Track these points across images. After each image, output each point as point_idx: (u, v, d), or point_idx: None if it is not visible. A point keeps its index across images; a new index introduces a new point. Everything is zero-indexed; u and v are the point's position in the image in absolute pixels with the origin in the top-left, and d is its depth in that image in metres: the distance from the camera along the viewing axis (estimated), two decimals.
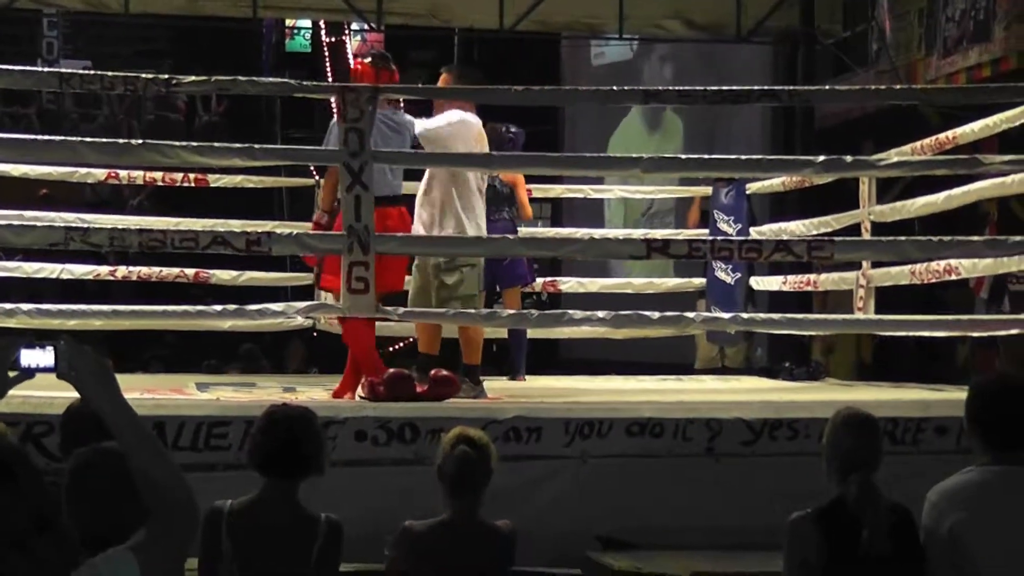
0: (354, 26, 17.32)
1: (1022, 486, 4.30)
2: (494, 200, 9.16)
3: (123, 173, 9.78)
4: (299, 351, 13.30)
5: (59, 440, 4.64)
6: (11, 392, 3.14)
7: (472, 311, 7.60)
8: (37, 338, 3.29)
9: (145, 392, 6.80)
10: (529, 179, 9.88)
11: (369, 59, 7.59)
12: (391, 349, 8.35)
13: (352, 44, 18.25)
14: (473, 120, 7.67)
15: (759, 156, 8.52)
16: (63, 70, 9.18)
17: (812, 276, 10.03)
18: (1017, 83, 8.13)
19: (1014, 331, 7.50)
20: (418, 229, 7.55)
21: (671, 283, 10.09)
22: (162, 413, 5.90)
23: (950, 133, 8.15)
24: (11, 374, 3.16)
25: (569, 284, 10.86)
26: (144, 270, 9.80)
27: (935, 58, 11.55)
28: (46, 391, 4.15)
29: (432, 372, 7.23)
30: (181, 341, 12.33)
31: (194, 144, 7.37)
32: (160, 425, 5.72)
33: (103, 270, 9.84)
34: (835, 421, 4.53)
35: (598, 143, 16.20)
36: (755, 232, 9.98)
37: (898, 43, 12.17)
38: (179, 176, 9.74)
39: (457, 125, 7.58)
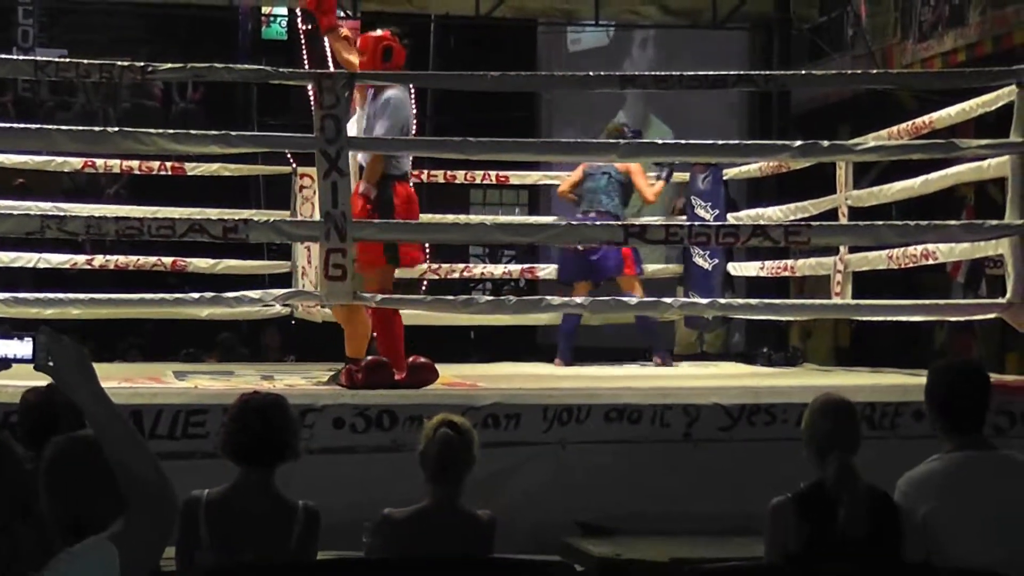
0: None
1: (984, 471, 4.36)
2: (601, 191, 9.26)
3: (100, 162, 9.74)
4: (275, 339, 13.28)
5: (20, 431, 4.62)
6: None
7: (447, 298, 7.58)
8: (14, 328, 3.26)
9: (123, 381, 6.78)
10: (505, 166, 9.88)
11: (389, 32, 7.54)
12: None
13: None
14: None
15: (736, 141, 8.53)
16: (38, 58, 9.11)
17: (789, 261, 10.03)
18: (992, 67, 8.13)
19: (991, 315, 7.51)
20: None
21: (649, 269, 10.08)
22: (139, 402, 5.89)
23: (926, 118, 8.15)
24: None
25: (547, 271, 10.84)
26: (121, 259, 9.76)
27: (911, 43, 11.57)
28: (23, 380, 4.13)
29: (410, 359, 7.21)
30: (158, 330, 12.28)
31: (171, 132, 7.32)
32: (137, 413, 5.71)
33: (80, 259, 9.80)
34: (813, 406, 4.56)
35: (575, 131, 16.19)
36: (732, 217, 9.98)
37: (874, 28, 12.19)
38: (156, 164, 9.70)
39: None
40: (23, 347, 3.07)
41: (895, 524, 4.33)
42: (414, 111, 7.76)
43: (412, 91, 7.62)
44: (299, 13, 16.37)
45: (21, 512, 3.15)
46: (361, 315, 7.30)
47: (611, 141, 8.23)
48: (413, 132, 7.55)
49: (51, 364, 2.99)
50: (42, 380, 3.09)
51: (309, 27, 17.18)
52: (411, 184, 7.53)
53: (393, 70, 7.41)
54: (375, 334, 7.43)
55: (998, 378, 6.50)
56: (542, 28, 16.50)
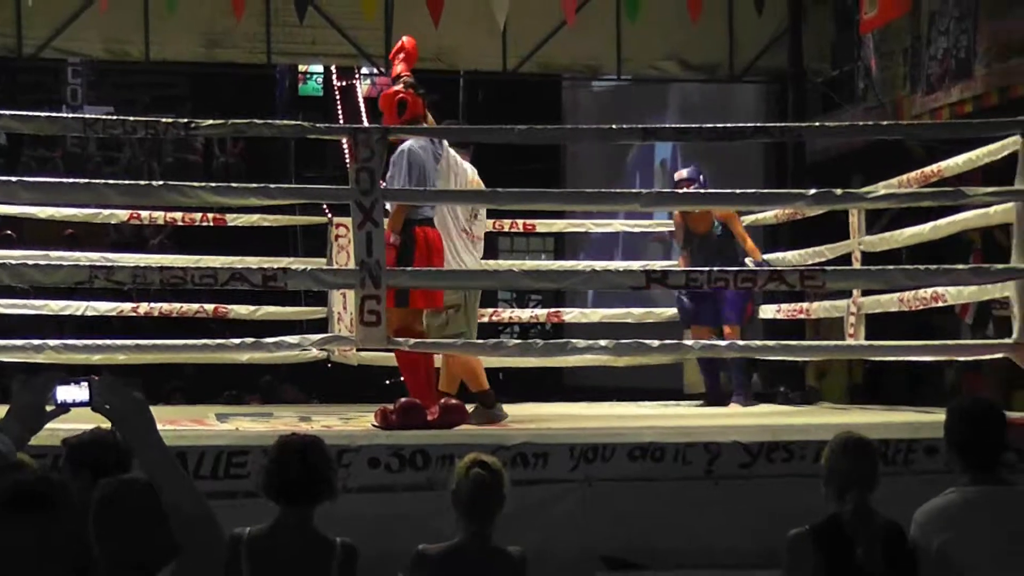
0: (364, 70, 17.37)
1: (1000, 504, 4.35)
2: (705, 248, 9.29)
3: (144, 213, 9.80)
4: (291, 393, 13.29)
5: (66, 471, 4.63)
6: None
7: (477, 341, 7.59)
8: (70, 374, 3.27)
9: (167, 423, 6.79)
10: (532, 214, 9.90)
11: (401, 84, 7.60)
12: (387, 382, 8.38)
13: (362, 88, 18.29)
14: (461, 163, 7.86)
15: (754, 190, 8.51)
16: (87, 115, 9.20)
17: (805, 304, 10.02)
18: (998, 118, 8.13)
19: (999, 355, 7.49)
20: None
21: (669, 312, 10.07)
22: (183, 443, 5.90)
23: (935, 166, 8.15)
24: (48, 408, 3.16)
25: (572, 314, 10.86)
26: (165, 306, 9.82)
27: (919, 95, 11.56)
28: (80, 423, 4.14)
29: (442, 400, 7.22)
30: (201, 374, 12.32)
31: (212, 184, 7.37)
32: (182, 455, 5.71)
33: (126, 307, 9.85)
34: (833, 444, 4.56)
35: (599, 177, 16.22)
36: (750, 263, 9.97)
37: (884, 81, 12.19)
38: (198, 216, 9.75)
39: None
40: (80, 392, 3.10)
41: (910, 558, 4.33)
42: (453, 159, 7.80)
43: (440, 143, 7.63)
44: (334, 70, 16.50)
45: (80, 565, 3.13)
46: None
47: (632, 192, 8.27)
48: (435, 179, 7.57)
49: (108, 407, 3.00)
50: (98, 422, 3.10)
51: (345, 84, 17.29)
52: (433, 228, 7.55)
53: (411, 120, 7.46)
54: (403, 377, 7.45)
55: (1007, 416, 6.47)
56: (566, 83, 16.58)
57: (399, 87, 7.56)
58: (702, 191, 9.11)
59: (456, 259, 7.76)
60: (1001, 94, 10.34)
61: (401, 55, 7.79)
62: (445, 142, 7.66)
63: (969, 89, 10.78)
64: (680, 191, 9.20)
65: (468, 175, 7.92)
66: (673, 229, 9.82)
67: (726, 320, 9.48)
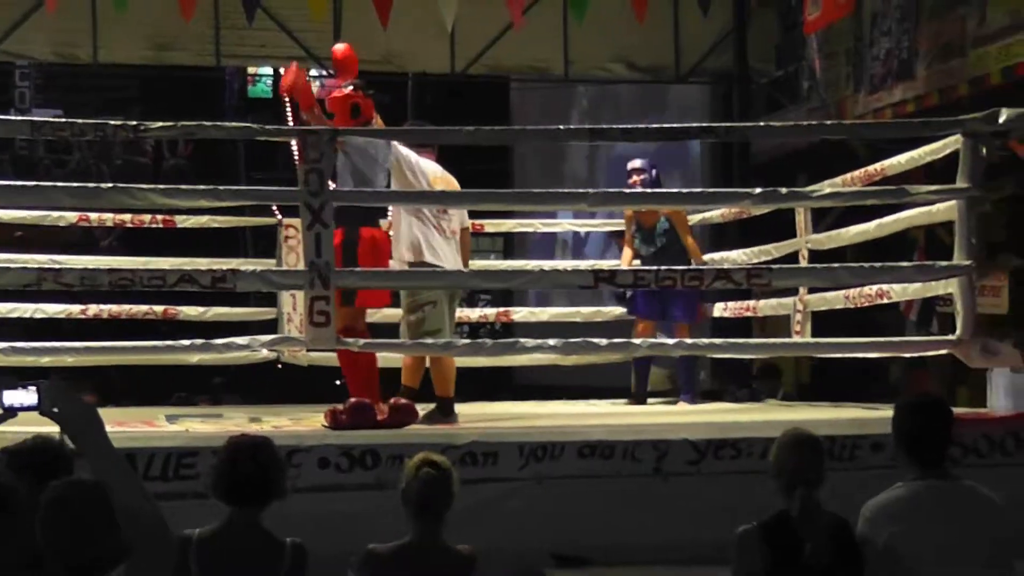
0: (312, 72, 17.30)
1: (946, 499, 4.37)
2: (652, 242, 9.29)
3: (94, 215, 9.72)
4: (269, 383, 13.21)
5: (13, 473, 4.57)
6: None
7: (429, 340, 7.57)
8: (19, 378, 3.23)
9: (116, 425, 6.73)
10: (481, 214, 9.87)
11: (351, 87, 7.58)
12: (337, 382, 8.36)
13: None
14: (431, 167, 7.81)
15: (700, 189, 8.53)
16: (35, 118, 9.11)
17: (752, 302, 10.03)
18: (939, 118, 8.17)
19: (942, 351, 7.52)
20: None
21: (617, 311, 10.07)
22: (133, 445, 5.85)
23: (878, 165, 8.18)
24: None
25: (521, 313, 10.85)
26: (114, 308, 9.73)
27: (863, 95, 11.61)
28: (27, 427, 4.09)
29: (392, 400, 7.20)
30: (151, 375, 12.23)
31: (162, 187, 7.31)
32: (131, 457, 5.66)
33: (75, 308, 9.76)
34: (781, 441, 4.56)
35: (547, 176, 16.23)
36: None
37: (828, 81, 12.23)
38: (148, 218, 9.68)
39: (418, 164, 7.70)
40: (28, 396, 3.05)
41: (857, 552, 4.34)
42: (409, 159, 7.77)
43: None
44: (283, 72, 16.41)
45: (31, 562, 3.10)
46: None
47: (579, 192, 8.26)
48: (383, 178, 7.54)
49: (56, 411, 2.96)
50: (46, 426, 3.07)
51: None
52: (379, 229, 7.51)
53: (363, 123, 7.44)
54: (345, 376, 7.41)
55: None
56: (514, 85, 16.56)
57: (350, 90, 7.53)
58: (650, 191, 9.10)
59: (435, 252, 7.71)
60: (942, 94, 10.39)
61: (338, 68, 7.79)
62: (394, 143, 7.63)
63: (911, 89, 10.83)
64: (629, 189, 9.18)
65: (429, 175, 7.87)
66: (623, 229, 9.82)
67: (674, 318, 9.48)
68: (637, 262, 9.45)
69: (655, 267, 7.45)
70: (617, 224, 10.14)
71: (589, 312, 10.36)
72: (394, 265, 7.64)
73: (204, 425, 7.46)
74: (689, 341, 8.14)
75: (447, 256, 7.78)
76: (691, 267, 8.96)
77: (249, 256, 12.42)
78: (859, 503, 4.45)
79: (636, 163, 9.50)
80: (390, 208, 7.99)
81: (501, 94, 17.02)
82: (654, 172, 9.41)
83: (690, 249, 9.39)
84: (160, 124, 7.02)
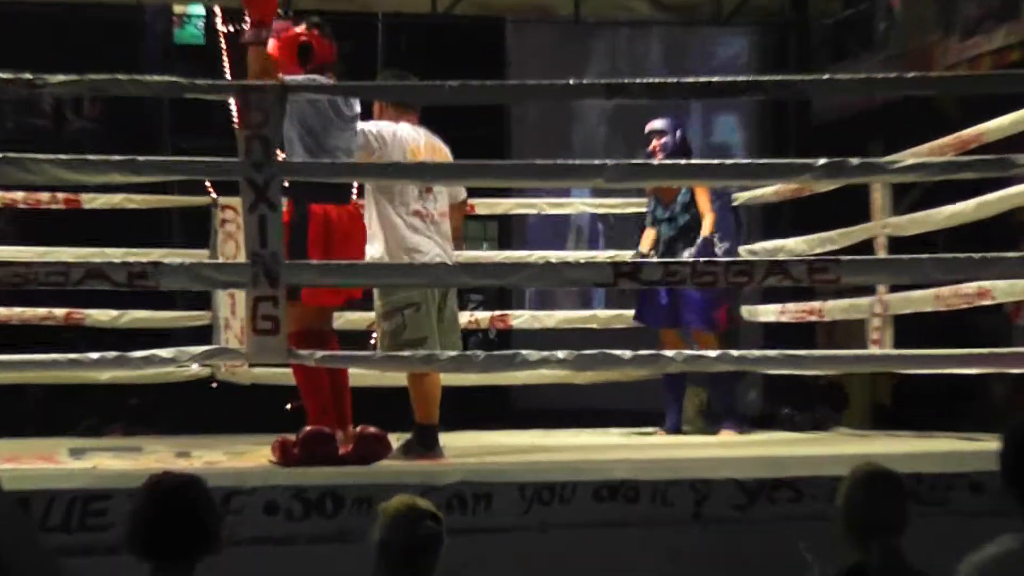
0: None
1: None
2: (671, 224, 9.29)
3: None
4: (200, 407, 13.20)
5: None
6: None
7: (404, 354, 7.55)
8: None
9: (7, 461, 6.73)
10: (471, 193, 9.86)
11: (306, 25, 7.56)
12: (288, 406, 8.34)
13: None
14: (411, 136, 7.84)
15: (747, 160, 8.53)
16: None
17: (816, 304, 10.03)
18: None
19: None
20: None
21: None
22: (27, 486, 5.83)
23: (975, 129, 8.18)
24: None
25: (522, 318, 10.84)
26: (3, 311, 9.72)
27: (954, 40, 11.61)
28: None
29: (358, 428, 7.19)
30: (49, 397, 12.22)
31: (64, 157, 7.29)
32: (25, 501, 5.65)
33: None
34: (852, 479, 4.56)
35: (552, 144, 16.22)
36: (745, 252, 9.98)
37: (910, 23, 12.24)
38: (46, 196, 9.67)
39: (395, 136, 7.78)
40: None
41: None
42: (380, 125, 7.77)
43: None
44: (218, 12, 16.40)
45: None
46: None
47: (595, 163, 8.22)
48: (347, 140, 7.53)
49: None
50: None
51: (233, 29, 17.21)
52: (342, 206, 7.48)
53: (316, 70, 7.42)
54: (302, 397, 7.39)
55: None
56: (511, 27, 16.56)
57: (301, 28, 7.51)
58: (683, 162, 9.07)
59: (404, 247, 7.72)
60: None
61: None
62: (356, 102, 7.62)
63: (1016, 33, 10.83)
64: (652, 160, 9.17)
65: (410, 143, 7.86)
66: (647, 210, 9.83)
67: (686, 322, 9.49)
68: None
69: (691, 259, 7.44)
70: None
71: (608, 316, 10.36)
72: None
73: (118, 461, 7.46)
74: (736, 354, 8.11)
75: (430, 250, 7.78)
76: (738, 260, 8.96)
77: (175, 246, 12.41)
78: (954, 558, 4.43)
79: (656, 124, 9.53)
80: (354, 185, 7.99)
81: (495, 40, 17.01)
82: (678, 134, 9.43)
83: (705, 224, 9.44)
84: (62, 77, 7.00)
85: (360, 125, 7.67)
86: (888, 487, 4.57)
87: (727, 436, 9.36)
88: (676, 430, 9.65)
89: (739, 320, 10.11)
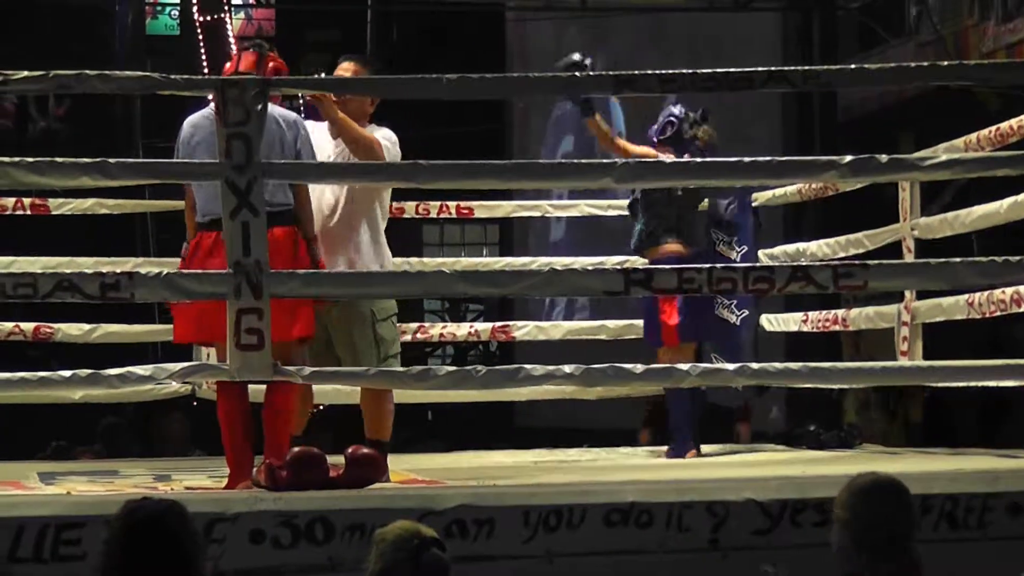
0: (236, 0, 17.34)
1: None
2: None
3: None
4: (180, 427, 13.20)
5: None
6: None
7: (397, 369, 7.59)
8: None
9: None
10: (469, 195, 9.90)
11: (251, 47, 7.59)
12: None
13: (233, 24, 18.24)
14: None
15: (767, 158, 8.55)
16: None
17: (841, 312, 10.06)
18: None
19: None
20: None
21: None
22: None
23: (1014, 122, 8.20)
24: None
25: (525, 330, 10.85)
26: None
27: (992, 24, 11.64)
28: None
29: (350, 449, 7.21)
30: (17, 418, 12.26)
31: (29, 160, 7.33)
32: None
33: None
34: (854, 490, 4.61)
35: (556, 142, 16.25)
36: (765, 256, 10.01)
37: (944, 7, 12.27)
38: (10, 202, 9.69)
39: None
40: None
41: None
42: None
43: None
44: (195, 0, 16.44)
45: None
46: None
47: (603, 162, 8.26)
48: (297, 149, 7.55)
49: None
50: None
51: (208, 18, 17.25)
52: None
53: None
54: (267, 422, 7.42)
55: None
56: (511, 15, 16.59)
57: (249, 52, 7.54)
58: (698, 160, 9.10)
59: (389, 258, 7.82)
60: None
61: None
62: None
63: None
64: (664, 158, 9.20)
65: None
66: None
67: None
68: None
69: (709, 265, 7.43)
70: None
71: (618, 327, 10.38)
72: None
73: (92, 486, 7.47)
74: (755, 366, 8.17)
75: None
76: (758, 265, 8.99)
77: (151, 255, 12.45)
78: None
79: (673, 110, 9.55)
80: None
81: (494, 29, 17.06)
82: (691, 114, 9.46)
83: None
84: (26, 73, 7.02)
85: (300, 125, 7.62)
86: (895, 497, 4.60)
87: (770, 454, 9.41)
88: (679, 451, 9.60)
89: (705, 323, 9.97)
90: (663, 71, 7.55)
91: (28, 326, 9.66)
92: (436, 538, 4.60)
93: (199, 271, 7.20)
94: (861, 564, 4.49)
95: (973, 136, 8.42)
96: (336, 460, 6.89)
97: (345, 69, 7.97)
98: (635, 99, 9.75)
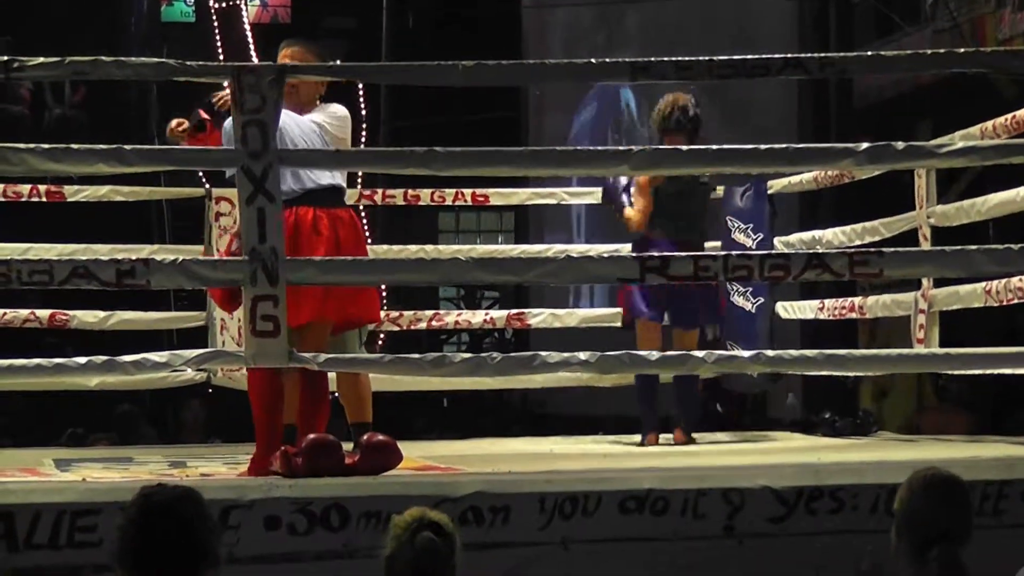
0: None
1: None
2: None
3: None
4: (196, 413, 13.23)
5: None
6: None
7: (412, 356, 7.59)
8: None
9: None
10: (484, 182, 9.90)
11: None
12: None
13: (249, 11, 18.24)
14: None
15: (783, 145, 8.54)
16: None
17: (857, 300, 10.04)
18: None
19: None
20: None
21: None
22: (10, 501, 5.87)
23: None
24: None
25: (541, 317, 10.85)
26: None
27: (1008, 11, 11.62)
28: None
29: (366, 437, 7.22)
30: (33, 405, 12.28)
31: (45, 146, 7.33)
32: (8, 516, 5.69)
33: None
34: (913, 483, 4.56)
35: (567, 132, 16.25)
36: (780, 244, 10.00)
37: None
38: (26, 188, 9.70)
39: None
40: None
41: None
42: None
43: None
44: None
45: None
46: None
47: (620, 149, 8.26)
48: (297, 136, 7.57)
49: None
50: None
51: (223, 4, 17.24)
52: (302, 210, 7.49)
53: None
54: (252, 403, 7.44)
55: None
56: (528, 4, 16.60)
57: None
58: (714, 147, 9.08)
59: None
60: None
61: None
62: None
63: None
64: (666, 148, 9.19)
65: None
66: None
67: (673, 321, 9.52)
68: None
69: (724, 252, 7.44)
70: None
71: None
72: None
73: (107, 472, 7.48)
74: (771, 354, 8.15)
75: None
76: (774, 253, 8.99)
77: (167, 241, 12.47)
78: (1007, 572, 4.46)
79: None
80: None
81: (510, 16, 17.06)
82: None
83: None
84: (41, 60, 7.02)
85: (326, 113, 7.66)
86: (953, 492, 4.57)
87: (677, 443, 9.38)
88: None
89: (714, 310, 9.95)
90: (679, 59, 7.55)
91: (44, 313, 9.66)
92: (435, 522, 4.60)
93: (217, 258, 7.22)
94: (905, 563, 4.46)
95: (989, 123, 8.40)
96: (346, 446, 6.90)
97: (287, 56, 7.84)
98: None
